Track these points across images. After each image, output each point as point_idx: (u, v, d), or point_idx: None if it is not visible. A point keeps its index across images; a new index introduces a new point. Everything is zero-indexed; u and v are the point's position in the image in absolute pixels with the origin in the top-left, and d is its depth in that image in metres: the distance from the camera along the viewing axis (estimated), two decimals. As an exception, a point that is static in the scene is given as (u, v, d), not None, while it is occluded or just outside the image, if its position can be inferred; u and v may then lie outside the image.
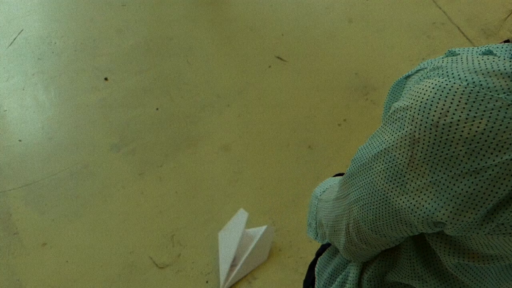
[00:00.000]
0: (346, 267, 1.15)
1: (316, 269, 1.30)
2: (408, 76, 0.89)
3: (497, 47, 0.74)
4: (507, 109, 0.63)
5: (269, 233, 2.56)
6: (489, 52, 0.74)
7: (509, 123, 0.63)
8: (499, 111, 0.63)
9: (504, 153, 0.63)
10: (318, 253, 1.40)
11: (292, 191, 2.80)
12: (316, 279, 1.29)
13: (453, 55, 0.75)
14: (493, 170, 0.64)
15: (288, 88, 3.28)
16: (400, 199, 0.77)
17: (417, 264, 0.94)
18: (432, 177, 0.70)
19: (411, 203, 0.75)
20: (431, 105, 0.68)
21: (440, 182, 0.69)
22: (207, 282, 2.53)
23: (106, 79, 3.41)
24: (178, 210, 2.79)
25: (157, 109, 3.23)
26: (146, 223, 2.76)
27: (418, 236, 0.93)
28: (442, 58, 0.77)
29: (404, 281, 0.99)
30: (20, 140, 3.11)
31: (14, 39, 3.67)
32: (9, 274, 2.59)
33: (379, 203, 0.81)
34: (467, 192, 0.67)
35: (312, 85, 3.29)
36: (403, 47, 3.50)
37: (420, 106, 0.70)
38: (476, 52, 0.75)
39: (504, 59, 0.68)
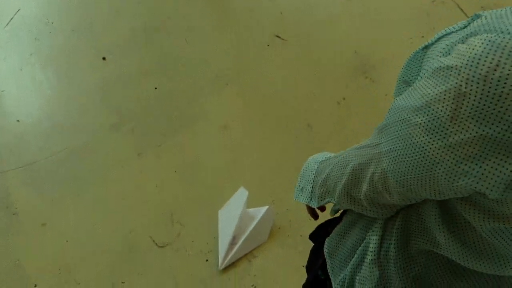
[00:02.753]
0: (364, 240, 1.12)
1: (326, 250, 1.26)
2: (426, 47, 0.87)
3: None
4: None
5: (270, 214, 2.55)
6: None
7: None
8: None
9: None
10: (321, 227, 1.37)
11: (292, 169, 2.79)
12: (328, 260, 1.25)
13: (479, 17, 0.74)
14: None
15: (287, 66, 3.26)
16: (443, 152, 0.74)
17: (442, 231, 0.91)
18: (477, 132, 0.67)
19: (455, 155, 0.73)
20: (479, 59, 0.66)
21: (487, 136, 0.67)
22: (206, 260, 2.53)
23: (104, 58, 3.39)
24: (177, 189, 2.79)
25: (155, 88, 3.22)
26: (146, 202, 2.75)
27: (444, 203, 0.90)
28: (477, 19, 0.76)
29: (427, 247, 0.97)
30: (18, 121, 3.10)
31: (11, 19, 3.64)
32: (8, 254, 2.59)
33: (415, 157, 0.79)
34: None
35: (311, 64, 3.27)
36: (403, 25, 3.47)
37: (468, 61, 0.68)
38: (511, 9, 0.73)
39: None
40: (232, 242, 2.49)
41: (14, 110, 3.16)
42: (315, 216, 1.51)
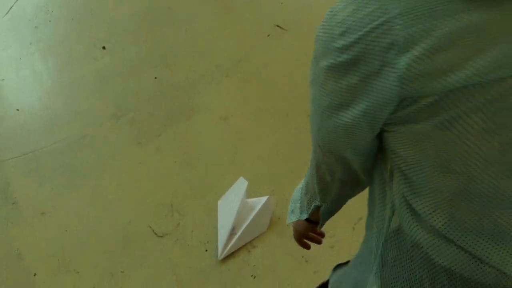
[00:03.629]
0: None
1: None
2: None
3: None
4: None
5: (270, 204, 2.55)
6: None
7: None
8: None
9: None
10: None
11: (292, 160, 2.79)
12: None
13: None
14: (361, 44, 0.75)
15: (287, 56, 3.25)
16: (324, 97, 0.87)
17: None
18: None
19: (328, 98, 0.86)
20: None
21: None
22: (206, 250, 2.53)
23: (104, 48, 3.38)
24: (177, 180, 2.79)
25: (155, 78, 3.21)
26: (145, 192, 2.75)
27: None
28: None
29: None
30: (18, 110, 3.09)
31: (11, 7, 3.63)
32: (8, 244, 2.59)
33: (317, 114, 0.91)
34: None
35: (312, 53, 3.26)
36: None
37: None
38: None
39: None
40: (232, 233, 2.49)
41: (14, 99, 3.15)
42: (308, 246, 1.56)
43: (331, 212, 1.28)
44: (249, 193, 2.57)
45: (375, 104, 0.77)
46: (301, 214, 1.31)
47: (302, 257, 2.48)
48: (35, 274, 2.51)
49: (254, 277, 2.46)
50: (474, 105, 0.72)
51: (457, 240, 0.90)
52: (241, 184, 2.56)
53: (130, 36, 3.45)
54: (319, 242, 1.52)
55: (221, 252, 2.47)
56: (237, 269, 2.48)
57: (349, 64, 0.77)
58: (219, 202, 2.62)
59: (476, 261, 0.90)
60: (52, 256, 2.56)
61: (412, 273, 1.00)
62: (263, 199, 2.52)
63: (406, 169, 0.87)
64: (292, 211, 1.35)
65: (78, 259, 2.55)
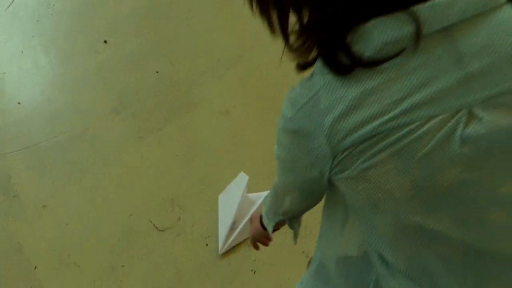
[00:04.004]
0: None
1: None
2: None
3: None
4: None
5: None
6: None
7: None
8: None
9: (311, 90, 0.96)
10: None
11: (292, 155, 2.79)
12: None
13: None
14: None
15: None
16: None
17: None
18: None
19: None
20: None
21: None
22: (206, 245, 2.54)
23: (105, 42, 3.38)
24: (177, 174, 2.79)
25: (157, 72, 3.21)
26: (146, 186, 2.76)
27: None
28: None
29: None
30: (19, 103, 3.09)
31: (13, 1, 3.63)
32: (9, 237, 2.60)
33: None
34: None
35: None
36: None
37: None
38: None
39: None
40: (232, 227, 2.49)
41: (16, 92, 3.15)
42: (258, 248, 1.92)
43: (296, 219, 1.52)
44: (250, 187, 2.58)
45: (317, 160, 0.94)
46: (269, 222, 1.53)
47: (303, 252, 2.49)
48: (35, 268, 2.51)
49: (254, 272, 2.46)
50: (385, 153, 0.87)
51: (405, 271, 1.06)
52: (242, 179, 2.56)
53: (132, 30, 3.44)
54: (267, 245, 1.85)
55: (221, 246, 2.47)
56: (237, 263, 2.48)
57: (295, 128, 0.96)
58: (220, 197, 2.62)
59: None
60: (53, 250, 2.57)
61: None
62: (264, 194, 2.52)
63: (356, 211, 1.05)
64: (267, 224, 1.56)
65: (79, 253, 2.56)
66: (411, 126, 0.85)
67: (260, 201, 2.51)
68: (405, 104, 0.86)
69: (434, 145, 0.86)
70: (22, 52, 3.34)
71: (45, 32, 3.44)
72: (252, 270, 2.47)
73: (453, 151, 0.87)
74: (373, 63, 0.86)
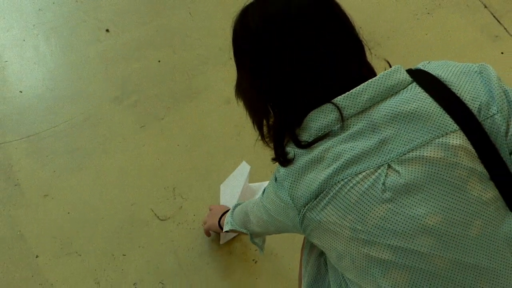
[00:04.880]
0: None
1: None
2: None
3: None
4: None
5: None
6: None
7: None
8: None
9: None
10: None
11: (295, 145, 2.78)
12: None
13: None
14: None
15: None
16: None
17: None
18: None
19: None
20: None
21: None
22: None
23: (107, 30, 3.36)
24: (179, 163, 2.78)
25: (159, 61, 3.19)
26: (148, 175, 2.75)
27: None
28: None
29: None
30: (21, 92, 3.08)
31: (14, -11, 3.61)
32: (10, 226, 2.59)
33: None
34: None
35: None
36: (409, 2, 3.43)
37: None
38: None
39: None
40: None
41: (17, 81, 3.14)
42: (209, 235, 2.47)
43: (260, 238, 2.01)
44: (252, 177, 2.56)
45: (289, 216, 1.32)
46: (230, 227, 1.93)
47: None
48: (37, 256, 2.51)
49: (256, 262, 2.46)
50: (330, 204, 1.18)
51: None
52: (244, 168, 2.54)
53: (134, 19, 3.42)
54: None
55: (223, 236, 2.47)
56: (238, 253, 2.48)
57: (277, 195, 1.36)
58: (221, 186, 2.61)
59: None
60: (54, 238, 2.56)
61: None
62: (265, 184, 2.51)
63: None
64: (226, 225, 1.99)
65: (80, 241, 2.56)
66: (345, 181, 1.15)
67: (261, 191, 2.49)
68: (338, 165, 1.16)
69: (362, 193, 1.14)
70: (23, 40, 3.32)
71: (47, 20, 3.43)
72: (253, 259, 2.47)
73: (377, 196, 1.13)
74: (308, 145, 1.23)
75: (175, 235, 2.55)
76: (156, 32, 3.35)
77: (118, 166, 2.79)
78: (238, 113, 2.91)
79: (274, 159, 1.39)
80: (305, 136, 1.24)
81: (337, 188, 1.15)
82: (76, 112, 2.98)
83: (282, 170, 1.29)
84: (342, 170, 1.15)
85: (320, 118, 1.20)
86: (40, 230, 2.59)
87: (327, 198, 1.17)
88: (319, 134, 1.21)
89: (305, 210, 1.22)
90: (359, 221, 1.14)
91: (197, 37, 3.31)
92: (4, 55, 3.24)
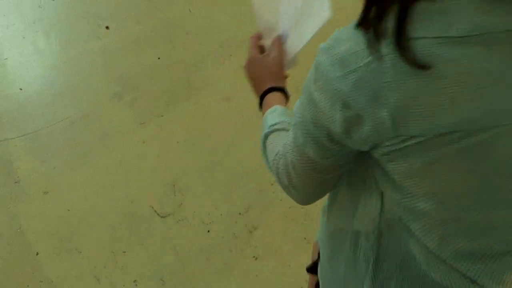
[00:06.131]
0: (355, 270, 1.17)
1: (320, 281, 1.35)
2: None
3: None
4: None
5: None
6: None
7: (364, 39, 0.81)
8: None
9: (361, 60, 0.80)
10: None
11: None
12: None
13: None
14: (356, 73, 0.81)
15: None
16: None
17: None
18: (324, 85, 0.87)
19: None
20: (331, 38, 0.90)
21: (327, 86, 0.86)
22: (208, 231, 2.53)
23: (107, 27, 3.36)
24: (179, 160, 2.78)
25: (158, 58, 3.19)
26: (148, 172, 2.75)
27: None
28: None
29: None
30: (21, 89, 3.08)
31: (14, -14, 3.61)
32: (10, 223, 2.60)
33: (310, 129, 0.95)
34: (340, 91, 0.83)
35: (319, 33, 3.23)
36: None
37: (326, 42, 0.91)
38: None
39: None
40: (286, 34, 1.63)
41: (17, 78, 3.14)
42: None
43: None
44: (255, 175, 2.56)
45: (370, 131, 0.83)
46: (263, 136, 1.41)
47: (304, 238, 2.48)
48: (37, 253, 2.51)
49: (256, 258, 2.46)
50: (459, 148, 0.80)
51: (449, 261, 0.96)
52: None
53: (134, 16, 3.43)
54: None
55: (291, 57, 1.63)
56: (238, 250, 2.48)
57: (341, 91, 0.83)
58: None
59: (467, 281, 0.97)
60: (54, 235, 2.57)
61: (404, 284, 1.06)
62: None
63: (399, 196, 0.93)
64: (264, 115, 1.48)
65: (80, 238, 2.56)
66: (494, 130, 0.79)
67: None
68: (487, 106, 0.77)
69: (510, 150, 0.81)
70: (23, 37, 3.33)
71: (47, 17, 3.43)
72: (253, 256, 2.47)
73: None
74: (463, 41, 0.75)
75: (175, 232, 2.55)
76: (156, 28, 3.35)
77: (118, 163, 2.79)
78: (238, 109, 2.92)
79: None
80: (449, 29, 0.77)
81: (479, 136, 0.81)
82: (76, 109, 2.98)
83: (395, 61, 0.78)
84: (492, 114, 0.80)
85: (479, 13, 0.77)
86: (40, 227, 2.59)
87: (456, 144, 0.80)
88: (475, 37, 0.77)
89: (410, 142, 0.83)
90: (490, 182, 0.85)
91: (197, 33, 3.31)
92: (4, 52, 3.24)
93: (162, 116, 2.94)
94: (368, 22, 0.81)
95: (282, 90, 1.50)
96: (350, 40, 0.83)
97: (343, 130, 0.86)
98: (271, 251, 2.47)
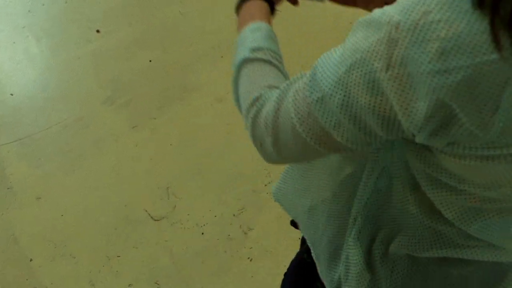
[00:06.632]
0: (342, 247, 1.09)
1: (308, 241, 1.25)
2: None
3: None
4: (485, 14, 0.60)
5: None
6: None
7: (485, 27, 0.60)
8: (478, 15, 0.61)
9: (476, 56, 0.60)
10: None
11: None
12: (312, 249, 1.23)
13: None
14: (465, 71, 0.61)
15: (284, 37, 3.20)
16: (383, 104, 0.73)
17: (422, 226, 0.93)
18: (407, 77, 0.67)
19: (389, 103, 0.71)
20: (414, 6, 0.65)
21: (412, 78, 0.66)
22: (202, 234, 2.52)
23: (98, 31, 3.35)
24: (172, 162, 2.77)
25: (150, 61, 3.18)
26: (141, 175, 2.74)
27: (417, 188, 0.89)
28: None
29: (406, 249, 0.97)
30: (12, 94, 3.07)
31: (3, -9, 3.60)
32: (3, 229, 2.59)
33: (360, 114, 0.75)
34: (434, 90, 0.64)
35: (309, 34, 3.23)
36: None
37: (400, 8, 0.66)
38: None
39: None
40: None
41: (8, 83, 3.13)
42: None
43: None
44: (246, 177, 2.55)
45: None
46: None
47: (299, 239, 2.47)
48: (31, 260, 2.50)
49: (251, 260, 2.46)
50: None
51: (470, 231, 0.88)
52: None
53: (124, 19, 3.42)
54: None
55: None
56: (233, 251, 2.47)
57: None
58: None
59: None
60: (48, 241, 2.55)
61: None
62: None
63: (443, 176, 0.81)
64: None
65: (75, 243, 2.55)
66: None
67: None
68: None
69: None
70: (14, 43, 3.31)
71: (37, 22, 3.42)
72: (248, 257, 2.46)
73: None
74: None
75: (169, 235, 2.55)
76: (147, 31, 3.34)
77: (111, 167, 2.78)
78: (231, 111, 2.91)
79: None
80: None
81: None
82: (68, 114, 2.97)
83: None
84: None
85: None
86: (33, 233, 2.58)
87: None
88: None
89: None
90: None
91: (188, 35, 3.31)
92: (-6, 58, 3.23)
93: (154, 119, 2.94)
94: (494, 4, 0.60)
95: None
96: (455, 22, 0.62)
97: (420, 126, 0.70)
98: (266, 252, 2.47)
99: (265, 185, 2.64)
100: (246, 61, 1.02)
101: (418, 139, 0.73)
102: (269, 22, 1.14)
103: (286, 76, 1.02)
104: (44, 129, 2.92)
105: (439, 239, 0.94)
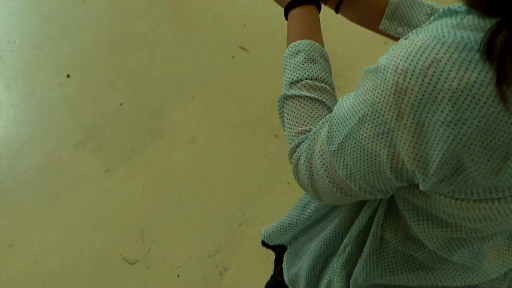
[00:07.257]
0: (322, 273, 1.12)
1: (284, 269, 1.27)
2: None
3: (454, 6, 0.72)
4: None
5: None
6: (454, 12, 0.71)
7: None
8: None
9: (489, 106, 0.62)
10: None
11: (260, 180, 2.80)
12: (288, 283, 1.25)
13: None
14: (479, 121, 0.62)
15: (252, 77, 3.27)
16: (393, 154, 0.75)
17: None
18: (417, 126, 0.68)
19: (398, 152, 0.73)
20: (421, 53, 0.65)
21: (423, 128, 0.67)
22: (178, 275, 2.51)
23: (68, 76, 3.36)
24: (146, 205, 2.77)
25: (121, 104, 3.20)
26: (115, 219, 2.73)
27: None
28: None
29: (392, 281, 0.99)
30: (-18, 142, 3.05)
31: (-28, 39, 3.60)
32: (-24, 278, 2.55)
33: (372, 165, 0.78)
34: (447, 140, 0.65)
35: (276, 74, 3.27)
36: (365, 33, 3.50)
37: (406, 55, 0.67)
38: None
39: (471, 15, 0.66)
40: None
41: (-22, 131, 3.11)
42: None
43: None
44: (220, 211, 2.56)
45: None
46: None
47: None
48: (4, 308, 2.47)
49: (228, 300, 2.45)
50: None
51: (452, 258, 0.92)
52: None
53: (95, 63, 3.44)
54: None
55: None
56: (210, 291, 2.47)
57: None
58: None
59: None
60: (21, 289, 2.52)
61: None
62: None
63: (434, 210, 0.84)
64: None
65: (49, 290, 2.52)
66: None
67: None
68: None
69: None
70: (-17, 90, 3.31)
71: (7, 68, 3.42)
72: (225, 298, 2.46)
73: None
74: None
75: (145, 278, 2.53)
76: (118, 75, 3.36)
77: (85, 211, 2.76)
78: (204, 150, 2.93)
79: None
80: None
81: None
82: (40, 159, 2.96)
83: None
84: None
85: None
86: (6, 281, 2.54)
87: None
88: None
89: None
90: None
91: (159, 78, 3.33)
92: (-36, 106, 3.22)
93: (127, 161, 2.94)
94: (499, 52, 0.61)
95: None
96: (467, 72, 0.63)
97: (430, 175, 0.72)
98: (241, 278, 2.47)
99: (240, 225, 2.64)
100: (286, 98, 1.03)
101: (422, 187, 0.75)
102: (317, 31, 1.11)
103: (327, 102, 1.02)
104: (16, 175, 2.90)
105: (411, 263, 0.96)
